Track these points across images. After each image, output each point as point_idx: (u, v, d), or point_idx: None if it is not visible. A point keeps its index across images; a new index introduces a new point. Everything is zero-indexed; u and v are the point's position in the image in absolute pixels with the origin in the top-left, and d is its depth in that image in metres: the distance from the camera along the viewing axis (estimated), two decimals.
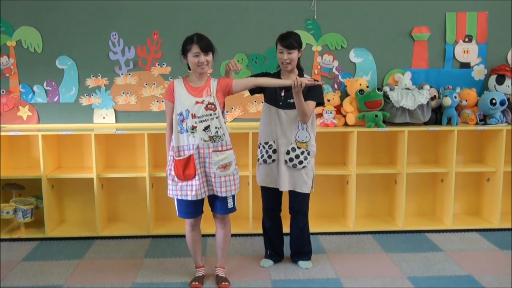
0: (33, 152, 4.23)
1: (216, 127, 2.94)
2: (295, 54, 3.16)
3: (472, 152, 4.42)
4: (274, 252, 3.51)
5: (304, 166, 3.25)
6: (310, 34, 4.24)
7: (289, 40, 3.13)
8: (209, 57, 2.92)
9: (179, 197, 3.00)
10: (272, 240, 3.50)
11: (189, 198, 2.97)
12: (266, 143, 3.30)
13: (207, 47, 2.90)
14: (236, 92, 3.03)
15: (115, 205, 4.34)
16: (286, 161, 3.24)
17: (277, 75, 3.27)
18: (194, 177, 2.94)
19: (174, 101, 2.96)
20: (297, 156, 3.24)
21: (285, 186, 3.28)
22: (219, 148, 2.96)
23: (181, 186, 2.98)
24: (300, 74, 3.23)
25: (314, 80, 2.99)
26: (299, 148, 3.24)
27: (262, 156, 3.32)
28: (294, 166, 3.25)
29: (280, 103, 3.21)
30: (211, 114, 2.92)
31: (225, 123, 3.00)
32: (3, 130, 4.02)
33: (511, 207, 4.36)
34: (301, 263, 3.45)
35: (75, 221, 4.32)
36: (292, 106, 3.16)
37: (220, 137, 2.96)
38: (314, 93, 3.17)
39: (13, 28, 4.16)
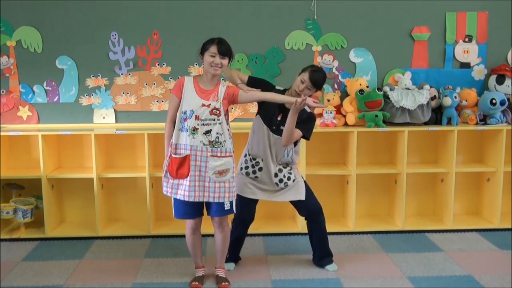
0: (33, 152, 4.23)
1: (217, 133, 2.93)
2: (311, 92, 3.11)
3: (472, 152, 4.42)
4: (234, 256, 3.48)
5: (294, 180, 3.29)
6: (310, 34, 4.25)
7: (320, 79, 3.08)
8: (225, 61, 2.91)
9: (170, 194, 3.00)
10: (235, 247, 3.44)
11: (178, 197, 2.97)
12: (254, 159, 3.27)
13: (225, 51, 2.90)
14: (241, 103, 3.05)
15: (115, 205, 4.34)
16: (277, 183, 3.25)
17: (282, 93, 3.17)
18: (186, 177, 2.94)
19: (181, 98, 2.95)
20: (284, 176, 3.26)
21: (282, 198, 3.29)
22: (218, 154, 2.95)
23: (172, 184, 2.98)
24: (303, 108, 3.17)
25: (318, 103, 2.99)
26: (284, 168, 3.26)
27: (246, 168, 3.29)
28: (286, 185, 3.27)
29: (274, 127, 3.18)
30: (214, 119, 2.92)
31: (228, 130, 2.99)
32: (3, 130, 4.02)
33: (511, 207, 4.36)
34: (329, 267, 3.40)
35: (75, 221, 4.32)
36: (282, 133, 3.11)
37: (220, 143, 2.95)
38: (305, 126, 3.15)
39: (13, 28, 4.16)
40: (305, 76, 3.09)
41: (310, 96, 3.09)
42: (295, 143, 3.26)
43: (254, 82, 3.18)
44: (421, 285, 3.17)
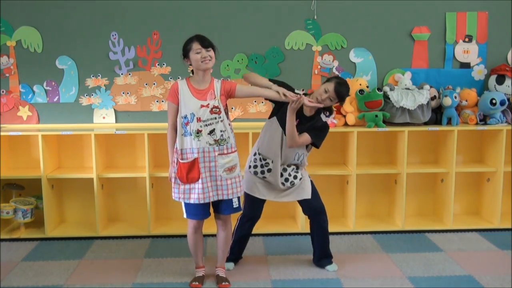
0: (33, 152, 4.23)
1: (221, 131, 2.93)
2: (332, 103, 3.13)
3: (472, 152, 4.42)
4: (236, 256, 3.48)
5: (300, 178, 3.28)
6: (310, 34, 4.25)
7: (344, 92, 3.10)
8: (211, 53, 2.90)
9: (182, 200, 3.00)
10: (240, 246, 3.45)
11: (191, 201, 2.96)
12: (264, 159, 3.25)
13: (208, 44, 2.89)
14: (238, 97, 3.04)
15: (115, 205, 4.34)
16: (283, 183, 3.25)
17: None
18: (198, 180, 2.93)
19: (178, 103, 2.94)
20: (289, 174, 3.25)
21: (287, 198, 3.30)
22: (224, 151, 2.96)
23: (184, 189, 2.97)
24: (319, 114, 3.22)
25: (317, 103, 3.03)
26: (289, 166, 3.26)
27: (255, 167, 3.27)
28: (292, 184, 3.26)
29: None
30: (216, 118, 2.92)
31: (229, 124, 2.99)
32: (3, 130, 4.02)
33: (511, 207, 4.36)
34: (329, 267, 3.40)
35: (75, 221, 4.32)
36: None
37: (225, 140, 2.95)
38: (317, 133, 3.16)
39: (13, 28, 4.16)
40: (330, 86, 3.09)
41: (330, 107, 3.16)
42: (308, 148, 3.27)
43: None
44: (421, 285, 3.17)
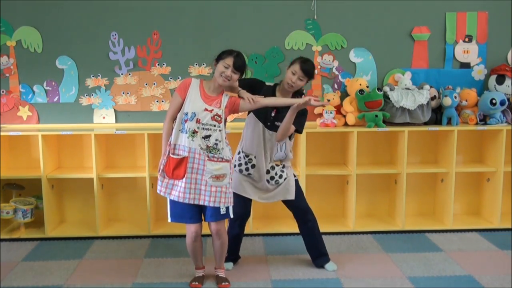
0: (33, 152, 4.23)
1: (216, 139, 2.94)
2: (303, 83, 3.16)
3: (472, 152, 4.42)
4: (233, 255, 3.49)
5: (285, 178, 3.29)
6: (310, 34, 4.24)
7: (310, 68, 3.14)
8: (236, 75, 2.93)
9: (163, 194, 2.99)
10: (235, 245, 3.46)
11: (171, 197, 2.97)
12: (247, 156, 3.26)
13: (240, 66, 2.91)
14: (242, 111, 3.08)
15: (115, 205, 4.34)
16: (268, 181, 3.26)
17: (273, 88, 3.24)
18: (182, 178, 2.93)
19: (184, 98, 2.96)
20: (276, 173, 3.26)
21: (272, 199, 3.31)
22: (214, 159, 2.96)
23: (167, 184, 2.98)
24: (296, 96, 3.23)
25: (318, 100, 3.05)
26: (277, 165, 3.27)
27: (240, 165, 3.28)
28: (277, 182, 3.27)
29: (268, 123, 3.19)
30: (215, 125, 2.93)
31: (226, 138, 3.00)
32: (3, 130, 4.02)
33: (511, 207, 4.36)
34: (328, 266, 3.41)
35: (75, 221, 4.32)
36: (277, 128, 3.17)
37: (218, 150, 2.96)
38: (299, 120, 3.19)
39: (13, 28, 4.16)
40: (296, 67, 3.12)
41: (300, 90, 3.22)
42: (291, 137, 3.30)
43: (245, 86, 3.14)
44: (421, 285, 3.17)
